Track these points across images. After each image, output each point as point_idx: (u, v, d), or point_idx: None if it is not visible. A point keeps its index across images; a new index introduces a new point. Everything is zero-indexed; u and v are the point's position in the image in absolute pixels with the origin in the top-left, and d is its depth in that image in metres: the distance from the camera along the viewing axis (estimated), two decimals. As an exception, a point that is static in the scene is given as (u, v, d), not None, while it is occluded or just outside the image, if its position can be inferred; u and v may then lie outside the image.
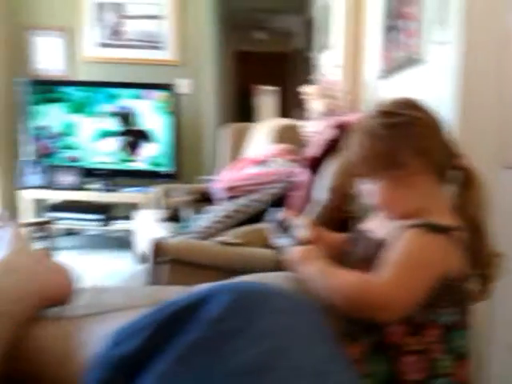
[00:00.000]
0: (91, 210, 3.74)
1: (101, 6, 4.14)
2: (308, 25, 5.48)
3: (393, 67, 2.08)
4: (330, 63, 2.83)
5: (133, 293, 1.05)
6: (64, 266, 0.86)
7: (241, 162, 2.61)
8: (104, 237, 4.09)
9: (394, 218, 1.00)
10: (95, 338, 0.64)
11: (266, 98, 8.94)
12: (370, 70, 2.49)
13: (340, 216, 1.67)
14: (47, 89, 3.85)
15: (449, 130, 1.03)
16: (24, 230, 0.95)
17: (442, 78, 1.57)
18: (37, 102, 3.83)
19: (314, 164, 1.88)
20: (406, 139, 0.96)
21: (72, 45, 4.15)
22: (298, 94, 2.45)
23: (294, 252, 1.02)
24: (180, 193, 2.62)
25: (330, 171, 1.79)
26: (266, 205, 1.97)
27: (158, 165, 3.85)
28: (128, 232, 3.55)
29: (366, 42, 2.61)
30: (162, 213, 2.72)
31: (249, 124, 3.39)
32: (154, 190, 3.12)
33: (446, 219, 0.95)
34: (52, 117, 3.84)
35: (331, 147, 1.84)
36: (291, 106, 7.64)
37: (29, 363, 0.69)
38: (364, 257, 0.99)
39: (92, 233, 4.12)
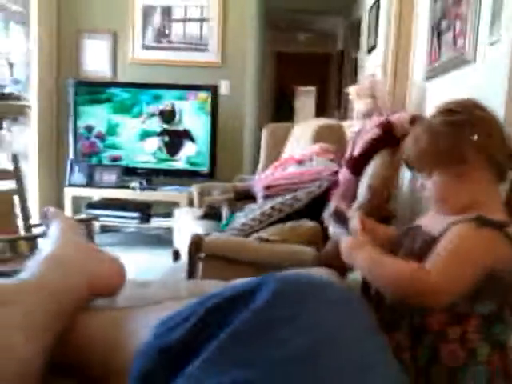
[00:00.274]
0: (131, 208, 3.79)
1: (147, 10, 4.21)
2: (353, 26, 5.44)
3: (440, 67, 2.03)
4: (374, 64, 2.78)
5: (172, 286, 1.05)
6: (114, 258, 0.86)
7: (280, 161, 2.60)
8: (143, 234, 4.14)
9: (449, 213, 1.02)
10: (143, 328, 0.64)
11: (306, 98, 8.91)
12: (417, 70, 2.43)
13: (380, 215, 1.64)
14: (94, 90, 3.95)
15: (507, 131, 1.03)
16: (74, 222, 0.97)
17: (491, 77, 1.52)
18: (84, 103, 3.92)
19: (356, 163, 1.85)
20: (467, 137, 0.99)
21: (119, 47, 4.24)
22: (339, 95, 2.43)
23: (348, 241, 1.06)
24: (218, 191, 2.62)
25: (371, 170, 1.76)
26: (304, 203, 1.95)
27: (196, 164, 3.88)
28: (167, 230, 3.59)
29: (413, 42, 2.56)
30: (199, 211, 2.73)
31: (288, 124, 3.37)
32: (192, 189, 3.14)
33: (500, 215, 0.97)
34: (98, 117, 3.93)
35: (374, 147, 1.80)
36: (331, 107, 7.59)
37: (79, 351, 0.70)
38: (416, 251, 1.01)
39: (131, 230, 4.18)
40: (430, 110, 2.14)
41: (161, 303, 0.81)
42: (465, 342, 0.95)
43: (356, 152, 1.88)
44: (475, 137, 0.98)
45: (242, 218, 2.04)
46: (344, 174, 1.92)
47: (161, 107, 3.89)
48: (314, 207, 1.89)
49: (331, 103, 7.84)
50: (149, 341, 0.59)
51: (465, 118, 1.01)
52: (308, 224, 1.78)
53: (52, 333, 0.66)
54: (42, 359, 0.63)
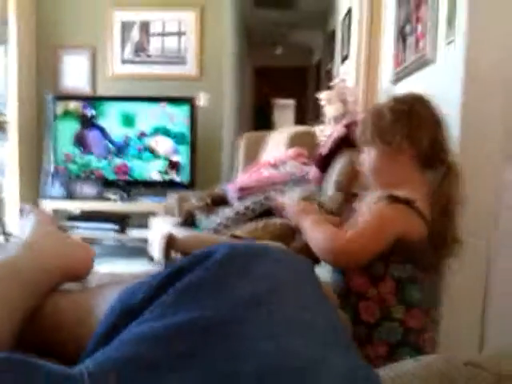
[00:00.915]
0: (109, 220, 3.80)
1: (126, 25, 4.28)
2: (328, 39, 5.56)
3: (406, 70, 2.11)
4: (346, 72, 2.86)
5: (140, 273, 1.09)
6: (84, 244, 0.91)
7: (255, 165, 2.65)
8: (121, 245, 4.14)
9: (378, 188, 1.20)
10: (105, 302, 0.68)
11: (284, 111, 9.01)
12: (385, 74, 2.51)
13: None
14: (72, 103, 3.97)
15: (447, 130, 1.20)
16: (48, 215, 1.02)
17: (450, 76, 1.59)
18: (62, 116, 3.95)
19: (323, 162, 1.92)
20: (401, 125, 1.16)
21: (98, 62, 4.28)
22: (316, 106, 2.52)
23: (297, 205, 1.25)
24: (194, 199, 2.66)
25: (337, 167, 1.82)
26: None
27: (175, 175, 3.91)
28: (145, 240, 3.61)
29: (380, 48, 2.65)
30: (177, 219, 2.76)
31: (265, 132, 3.43)
32: (170, 198, 3.17)
33: (412, 195, 1.12)
34: (74, 130, 3.95)
35: (339, 145, 1.87)
36: (308, 118, 7.69)
37: (51, 329, 0.73)
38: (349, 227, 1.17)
39: (109, 242, 4.18)
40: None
41: (127, 282, 0.84)
42: (381, 301, 1.10)
43: (323, 151, 1.94)
44: (408, 127, 1.15)
45: (215, 219, 2.08)
46: (313, 172, 1.98)
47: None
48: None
49: (309, 115, 7.95)
50: (113, 304, 0.62)
51: (404, 108, 1.17)
52: (279, 221, 1.82)
53: (23, 309, 0.70)
54: (13, 330, 0.66)
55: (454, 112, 1.51)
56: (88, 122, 3.95)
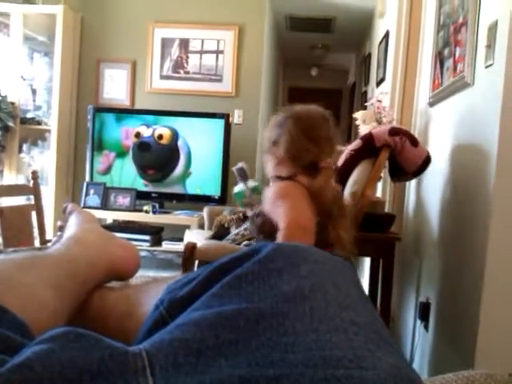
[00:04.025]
0: (143, 231, 3.87)
1: (166, 42, 4.40)
2: (363, 61, 5.59)
3: (442, 93, 2.12)
4: (381, 93, 2.88)
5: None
6: (129, 244, 0.93)
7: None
8: (152, 257, 4.20)
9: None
10: (152, 296, 0.70)
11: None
12: (422, 97, 2.53)
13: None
14: (112, 116, 4.09)
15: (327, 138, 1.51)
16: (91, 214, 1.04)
17: (488, 99, 1.60)
18: (101, 128, 4.07)
19: (340, 173, 1.95)
20: (279, 135, 1.49)
21: (138, 76, 4.42)
22: (349, 129, 2.58)
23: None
24: (227, 212, 2.70)
25: (353, 178, 1.85)
26: None
27: (207, 189, 3.97)
28: (177, 253, 3.66)
29: (418, 72, 2.66)
30: (208, 232, 2.80)
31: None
32: (203, 212, 3.22)
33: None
34: (113, 142, 4.06)
35: (355, 157, 1.90)
36: (341, 139, 7.67)
37: (95, 322, 0.76)
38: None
39: (142, 253, 4.25)
40: (433, 134, 2.22)
41: (170, 278, 0.87)
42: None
43: (339, 162, 1.97)
44: (284, 141, 1.47)
45: (239, 229, 2.13)
46: None
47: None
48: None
49: (342, 138, 7.96)
50: (161, 297, 0.64)
51: (282, 121, 1.50)
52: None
53: (74, 298, 0.72)
54: (65, 318, 0.69)
55: (492, 136, 1.52)
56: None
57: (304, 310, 0.51)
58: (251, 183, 2.29)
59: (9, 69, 4.04)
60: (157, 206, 3.90)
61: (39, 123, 4.19)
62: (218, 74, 4.39)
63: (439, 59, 2.20)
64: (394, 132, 1.92)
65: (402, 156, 1.94)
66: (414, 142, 1.96)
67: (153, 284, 0.81)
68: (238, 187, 2.25)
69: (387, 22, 3.76)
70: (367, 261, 3.70)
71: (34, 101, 4.28)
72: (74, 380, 0.40)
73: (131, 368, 0.42)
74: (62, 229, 0.97)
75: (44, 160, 4.14)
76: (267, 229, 1.44)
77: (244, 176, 1.96)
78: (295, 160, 1.48)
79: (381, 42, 4.00)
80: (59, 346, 0.43)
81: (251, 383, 0.41)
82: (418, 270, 2.36)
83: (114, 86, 4.45)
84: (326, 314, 0.52)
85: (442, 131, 2.17)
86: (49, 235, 3.02)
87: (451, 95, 2.01)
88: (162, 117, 4.05)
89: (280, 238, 1.33)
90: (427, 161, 1.98)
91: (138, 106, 4.39)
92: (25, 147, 4.13)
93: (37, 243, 2.61)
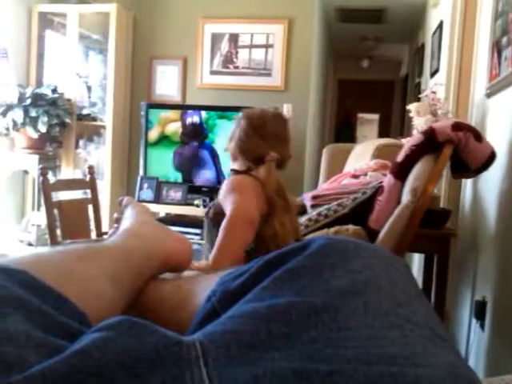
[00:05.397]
0: (195, 225, 3.92)
1: (216, 37, 4.44)
2: (416, 52, 5.46)
3: (500, 83, 2.04)
4: (436, 84, 2.80)
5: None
6: (183, 237, 0.94)
7: (336, 176, 2.65)
8: (203, 250, 4.26)
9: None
10: (204, 288, 0.70)
11: (369, 126, 8.89)
12: (478, 88, 2.44)
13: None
14: (163, 112, 4.16)
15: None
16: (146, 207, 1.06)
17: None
18: (153, 124, 4.15)
19: (400, 168, 1.89)
20: (237, 133, 1.71)
21: (188, 72, 4.47)
22: (402, 122, 2.52)
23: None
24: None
25: (414, 174, 1.80)
26: (348, 210, 1.99)
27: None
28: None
29: (474, 62, 2.57)
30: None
31: (348, 144, 3.42)
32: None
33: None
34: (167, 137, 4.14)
35: (416, 152, 1.84)
36: (394, 135, 7.55)
37: (149, 308, 0.77)
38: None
39: (194, 246, 4.31)
40: (491, 126, 2.14)
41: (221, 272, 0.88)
42: None
43: (399, 158, 1.91)
44: (239, 137, 1.68)
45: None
46: (388, 180, 1.95)
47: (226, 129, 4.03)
48: (359, 213, 1.95)
49: (394, 131, 7.80)
50: (214, 288, 0.65)
51: (238, 120, 1.72)
52: (352, 228, 1.82)
53: (130, 289, 0.74)
54: (121, 308, 0.71)
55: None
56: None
57: (357, 305, 0.51)
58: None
59: (65, 67, 4.18)
60: (207, 200, 3.95)
61: (94, 119, 4.31)
62: (267, 69, 4.38)
63: (497, 48, 2.12)
64: (457, 127, 1.82)
65: (465, 152, 1.83)
66: (479, 137, 1.86)
67: (205, 276, 0.82)
68: None
69: (441, 12, 3.65)
70: (416, 257, 3.62)
71: (89, 97, 4.42)
72: (130, 367, 0.41)
73: (185, 358, 0.43)
74: (118, 221, 0.98)
75: (99, 155, 4.26)
76: (220, 220, 1.54)
77: None
78: (245, 154, 1.68)
79: (434, 33, 3.89)
80: (116, 335, 0.44)
81: (304, 377, 0.41)
82: (474, 268, 2.29)
83: (166, 83, 4.52)
84: (380, 310, 0.51)
85: (500, 123, 2.08)
86: (105, 228, 3.11)
87: (510, 85, 1.93)
88: (212, 112, 4.08)
89: (221, 229, 1.48)
90: (492, 157, 1.88)
91: (188, 102, 4.44)
92: (81, 143, 4.26)
93: (93, 236, 2.70)
